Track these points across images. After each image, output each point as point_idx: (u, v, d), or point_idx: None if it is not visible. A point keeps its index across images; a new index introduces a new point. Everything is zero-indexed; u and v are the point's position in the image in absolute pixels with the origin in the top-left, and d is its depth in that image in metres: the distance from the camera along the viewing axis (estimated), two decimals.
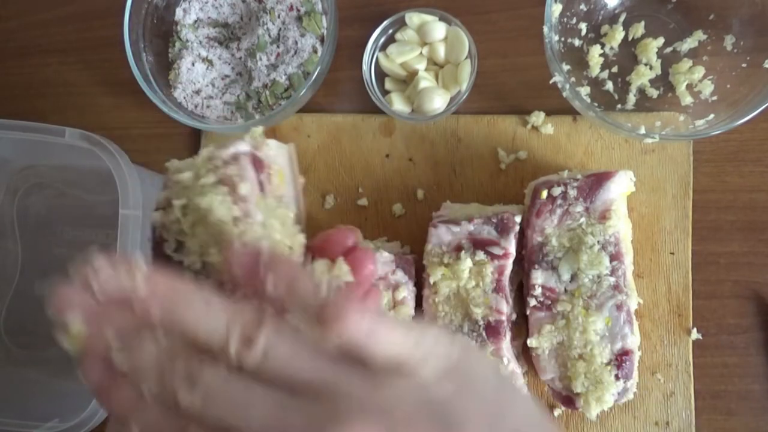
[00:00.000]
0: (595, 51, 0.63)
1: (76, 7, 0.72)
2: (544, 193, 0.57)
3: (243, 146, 0.36)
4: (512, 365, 0.57)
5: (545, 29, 0.57)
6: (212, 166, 0.35)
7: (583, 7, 0.63)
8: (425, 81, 0.63)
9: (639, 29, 0.63)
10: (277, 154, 0.38)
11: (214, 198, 0.33)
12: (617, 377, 0.55)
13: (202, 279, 0.34)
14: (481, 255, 0.57)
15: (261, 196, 0.36)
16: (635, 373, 0.56)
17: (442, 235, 0.58)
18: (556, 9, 0.59)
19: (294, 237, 0.37)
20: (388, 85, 0.66)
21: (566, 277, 0.57)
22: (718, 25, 0.62)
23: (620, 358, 0.55)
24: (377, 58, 0.65)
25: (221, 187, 0.34)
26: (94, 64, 0.71)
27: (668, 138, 0.59)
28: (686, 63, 0.62)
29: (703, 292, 0.62)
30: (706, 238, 0.63)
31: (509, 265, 0.57)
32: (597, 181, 0.56)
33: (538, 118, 0.64)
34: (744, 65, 0.60)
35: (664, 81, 0.63)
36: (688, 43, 0.62)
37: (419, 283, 0.60)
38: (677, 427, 0.61)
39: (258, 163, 0.36)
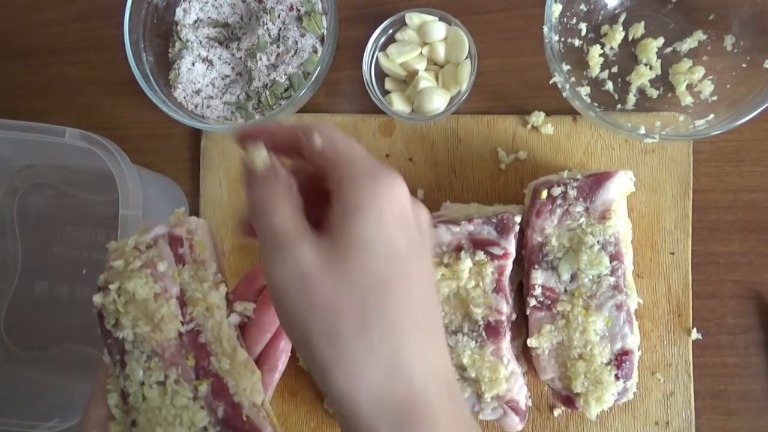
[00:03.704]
0: (595, 51, 0.63)
1: (76, 7, 0.72)
2: (544, 193, 0.57)
3: (161, 229, 0.45)
4: (512, 365, 0.57)
5: (545, 29, 0.57)
6: (138, 252, 0.43)
7: (583, 7, 0.63)
8: (425, 81, 0.63)
9: (639, 29, 0.63)
10: (197, 227, 0.46)
11: (137, 282, 0.42)
12: (617, 377, 0.55)
13: (136, 347, 0.42)
14: (481, 255, 0.57)
15: (178, 270, 0.44)
16: (635, 373, 0.56)
17: (442, 235, 0.58)
18: (556, 9, 0.59)
19: (216, 290, 0.45)
20: (388, 85, 0.66)
21: (566, 277, 0.57)
22: (718, 25, 0.62)
23: (620, 358, 0.55)
24: (377, 58, 0.65)
25: (145, 270, 0.42)
26: (94, 64, 0.71)
27: (668, 138, 0.59)
28: (686, 63, 0.62)
29: (703, 292, 0.62)
30: (706, 238, 0.63)
31: (509, 265, 0.57)
32: (597, 181, 0.56)
33: (538, 118, 0.64)
34: (744, 65, 0.60)
35: (664, 81, 0.63)
36: (688, 43, 0.62)
37: None
38: (677, 427, 0.61)
39: (175, 240, 0.44)
